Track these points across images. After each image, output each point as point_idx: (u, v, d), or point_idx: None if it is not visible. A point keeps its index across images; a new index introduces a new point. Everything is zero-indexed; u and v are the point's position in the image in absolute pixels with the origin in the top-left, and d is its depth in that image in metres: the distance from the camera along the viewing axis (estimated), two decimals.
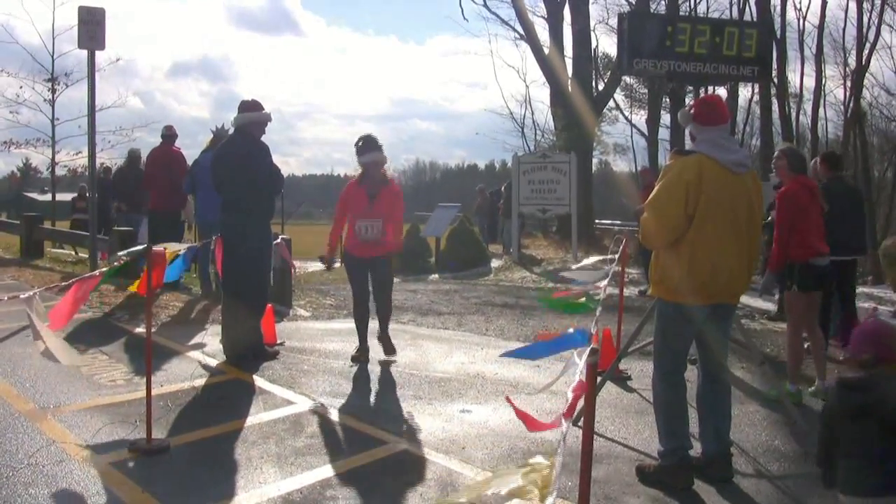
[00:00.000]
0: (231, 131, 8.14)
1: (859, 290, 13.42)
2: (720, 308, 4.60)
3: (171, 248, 5.55)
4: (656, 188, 4.52)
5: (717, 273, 4.40)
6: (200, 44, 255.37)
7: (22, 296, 4.23)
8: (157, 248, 5.22)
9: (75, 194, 21.49)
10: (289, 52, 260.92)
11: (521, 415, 2.73)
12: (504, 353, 3.85)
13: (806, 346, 6.95)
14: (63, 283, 4.68)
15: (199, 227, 11.18)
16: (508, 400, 2.83)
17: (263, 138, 7.39)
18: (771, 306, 10.81)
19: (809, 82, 33.09)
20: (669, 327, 4.65)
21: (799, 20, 31.11)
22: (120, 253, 5.26)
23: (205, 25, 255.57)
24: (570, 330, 3.05)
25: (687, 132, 4.78)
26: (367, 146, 7.26)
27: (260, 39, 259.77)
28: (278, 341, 8.00)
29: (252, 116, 7.24)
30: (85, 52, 11.45)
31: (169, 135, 11.81)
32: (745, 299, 10.96)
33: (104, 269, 5.13)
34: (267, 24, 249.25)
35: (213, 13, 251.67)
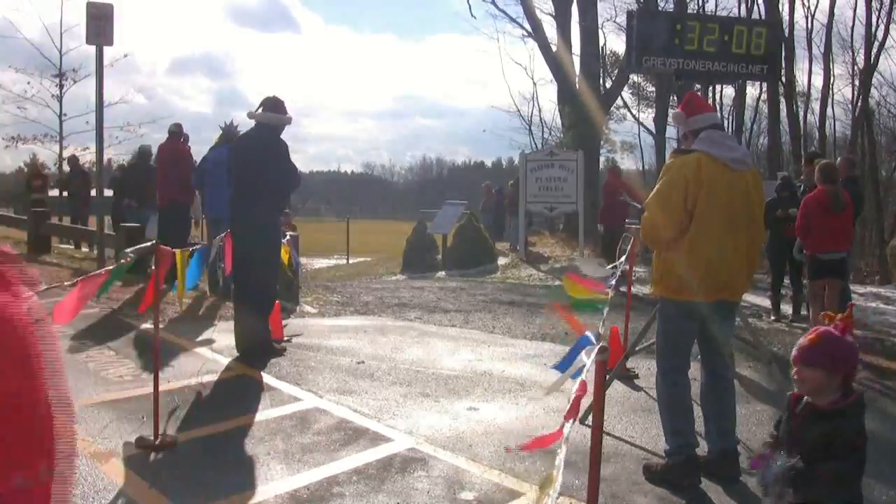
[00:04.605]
0: (240, 127, 8.17)
1: (866, 289, 13.42)
2: (722, 305, 4.60)
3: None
4: (657, 186, 4.54)
5: (715, 269, 4.41)
6: (200, 41, 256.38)
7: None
8: (164, 247, 5.23)
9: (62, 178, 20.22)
10: (288, 49, 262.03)
11: (532, 446, 2.78)
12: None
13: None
14: (67, 283, 4.68)
15: (208, 223, 11.21)
16: (509, 450, 2.85)
17: None
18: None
19: (817, 81, 33.01)
20: (672, 325, 4.65)
21: (807, 18, 30.96)
22: (127, 250, 5.25)
23: (204, 22, 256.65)
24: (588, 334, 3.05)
25: (679, 134, 4.82)
26: None
27: (259, 37, 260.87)
28: (285, 338, 8.01)
29: (277, 119, 7.28)
30: (89, 49, 11.52)
31: (176, 131, 11.82)
32: (753, 298, 10.94)
33: (110, 267, 5.14)
34: (266, 22, 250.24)
35: (211, 10, 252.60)
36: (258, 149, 7.22)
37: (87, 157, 25.04)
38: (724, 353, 4.77)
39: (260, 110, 7.28)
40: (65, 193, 19.96)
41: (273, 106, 7.30)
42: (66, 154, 23.82)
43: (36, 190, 18.77)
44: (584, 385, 2.55)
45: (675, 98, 28.66)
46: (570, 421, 2.44)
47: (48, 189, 20.33)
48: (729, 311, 4.76)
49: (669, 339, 4.69)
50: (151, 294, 5.17)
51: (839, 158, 10.06)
